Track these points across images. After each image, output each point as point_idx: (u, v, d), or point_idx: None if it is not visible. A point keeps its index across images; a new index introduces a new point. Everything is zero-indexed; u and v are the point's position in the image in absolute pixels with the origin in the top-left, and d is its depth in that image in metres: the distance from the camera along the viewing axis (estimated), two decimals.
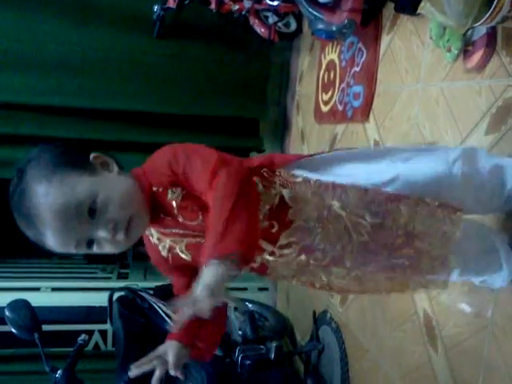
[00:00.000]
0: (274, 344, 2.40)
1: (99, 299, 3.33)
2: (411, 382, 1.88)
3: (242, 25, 3.07)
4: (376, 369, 2.14)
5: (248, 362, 2.35)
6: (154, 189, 1.00)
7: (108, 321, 2.96)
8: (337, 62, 2.59)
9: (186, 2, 2.98)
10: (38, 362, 3.09)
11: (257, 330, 2.61)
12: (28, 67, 3.09)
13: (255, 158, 1.08)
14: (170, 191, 0.98)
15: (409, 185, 1.07)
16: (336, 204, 1.03)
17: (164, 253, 1.08)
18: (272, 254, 1.04)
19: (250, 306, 3.11)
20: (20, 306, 2.26)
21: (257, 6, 2.84)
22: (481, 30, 1.49)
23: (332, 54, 2.65)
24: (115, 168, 1.02)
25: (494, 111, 1.47)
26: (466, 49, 1.56)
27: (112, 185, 0.98)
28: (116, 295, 2.80)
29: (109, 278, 3.86)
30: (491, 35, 1.47)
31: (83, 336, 2.40)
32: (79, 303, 3.62)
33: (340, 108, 2.51)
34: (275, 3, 2.68)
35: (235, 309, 2.82)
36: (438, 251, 1.10)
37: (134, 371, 0.96)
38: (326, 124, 2.71)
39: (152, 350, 2.63)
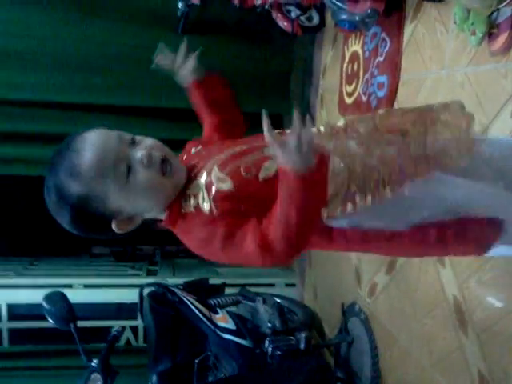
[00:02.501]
0: (303, 334, 2.41)
1: (129, 296, 3.39)
2: (443, 369, 1.87)
3: (265, 19, 3.09)
4: (406, 357, 2.14)
5: (278, 352, 2.37)
6: None
7: (139, 316, 3.02)
8: (360, 53, 2.59)
9: None
10: (72, 356, 3.21)
11: (286, 322, 2.63)
12: (54, 66, 3.19)
13: None
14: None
15: None
16: (352, 143, 1.02)
17: (208, 204, 0.98)
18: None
19: (277, 300, 3.12)
20: (56, 297, 2.34)
21: (280, 0, 2.86)
22: (506, 11, 1.48)
23: (355, 46, 2.66)
24: None
25: None
26: (491, 32, 1.55)
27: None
28: (146, 291, 2.85)
29: (138, 275, 3.93)
30: None
31: (117, 327, 2.47)
32: (110, 300, 3.70)
33: (364, 99, 2.51)
34: None
35: (264, 302, 2.84)
36: None
37: None
38: (351, 116, 2.71)
39: (183, 342, 2.68)
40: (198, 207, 0.97)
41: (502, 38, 1.51)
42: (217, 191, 0.96)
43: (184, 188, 1.01)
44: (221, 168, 0.99)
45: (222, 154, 1.03)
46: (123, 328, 3.66)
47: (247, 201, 0.96)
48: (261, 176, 0.98)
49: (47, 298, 2.35)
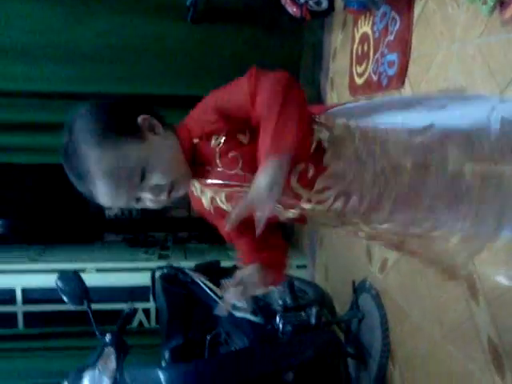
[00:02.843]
0: (314, 309, 2.44)
1: (142, 279, 3.45)
2: (453, 339, 1.90)
3: (274, 5, 3.12)
4: (417, 331, 2.17)
5: (289, 327, 2.39)
6: (195, 141, 1.04)
7: (151, 298, 3.06)
8: (370, 33, 2.62)
9: None
10: (84, 338, 3.27)
11: (296, 299, 2.66)
12: (64, 57, 3.25)
13: None
14: (213, 137, 1.01)
15: (445, 132, 1.08)
16: (377, 148, 1.05)
17: (206, 204, 1.13)
18: (308, 201, 1.05)
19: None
20: (70, 276, 2.38)
21: None
22: None
23: (365, 27, 2.68)
24: (161, 130, 1.04)
25: None
26: (502, 0, 1.58)
27: (158, 151, 1.02)
28: (158, 273, 2.89)
29: (150, 260, 3.98)
30: None
31: (129, 304, 2.51)
32: (123, 283, 3.75)
33: (375, 78, 2.54)
34: None
35: None
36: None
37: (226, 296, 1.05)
38: (361, 96, 2.74)
39: (195, 320, 2.71)
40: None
41: None
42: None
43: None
44: (227, 199, 1.08)
45: (233, 189, 1.05)
46: (135, 310, 3.72)
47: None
48: None
49: (61, 277, 2.39)
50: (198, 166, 1.06)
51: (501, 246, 1.59)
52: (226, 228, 1.19)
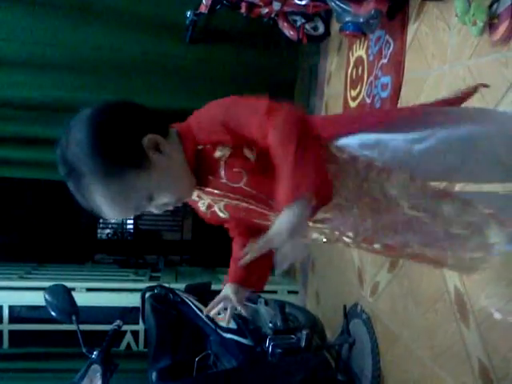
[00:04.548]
0: (304, 332, 2.40)
1: (131, 300, 3.40)
2: (444, 362, 1.86)
3: (271, 28, 3.17)
4: (408, 355, 2.13)
5: (279, 350, 2.35)
6: (200, 147, 1.00)
7: (140, 320, 3.01)
8: (364, 57, 2.64)
9: (218, 8, 3.09)
10: (71, 359, 3.20)
11: (287, 322, 2.62)
12: (63, 70, 3.28)
13: None
14: (218, 148, 0.98)
15: (444, 140, 1.05)
16: (377, 187, 1.02)
17: (203, 209, 1.11)
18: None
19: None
20: (59, 290, 2.35)
21: (286, 8, 2.93)
22: (506, 1, 1.53)
23: (360, 51, 2.71)
24: (166, 147, 0.98)
25: None
26: (492, 22, 1.60)
27: (165, 175, 0.98)
28: (148, 294, 2.85)
29: (141, 281, 3.93)
30: None
31: (118, 321, 2.46)
32: (112, 304, 3.69)
33: (368, 101, 2.55)
34: (303, 2, 2.77)
35: (266, 303, 2.83)
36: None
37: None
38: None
39: (184, 341, 2.67)
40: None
41: (502, 28, 1.55)
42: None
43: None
44: (225, 208, 1.07)
45: (234, 201, 1.05)
46: (124, 333, 3.66)
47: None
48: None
49: (49, 290, 2.36)
50: (201, 172, 1.03)
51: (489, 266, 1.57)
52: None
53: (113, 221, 6.28)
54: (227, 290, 1.19)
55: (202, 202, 1.10)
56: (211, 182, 1.02)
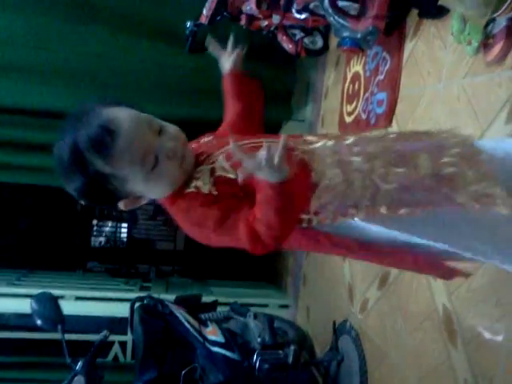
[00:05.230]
0: (292, 348, 2.38)
1: (121, 310, 3.35)
2: (431, 383, 1.84)
3: (271, 41, 3.17)
4: (395, 374, 2.10)
5: (266, 365, 2.33)
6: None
7: (128, 331, 2.98)
8: (361, 73, 2.64)
9: (218, 19, 3.10)
10: (57, 370, 3.15)
11: (276, 337, 2.59)
12: (61, 77, 3.27)
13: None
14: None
15: None
16: (356, 159, 1.03)
17: (208, 186, 1.02)
18: (310, 222, 1.04)
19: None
20: (45, 298, 2.33)
21: (285, 22, 2.93)
22: (501, 22, 1.53)
23: (357, 66, 2.72)
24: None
25: None
26: (487, 42, 1.59)
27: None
28: (138, 304, 2.82)
29: (131, 290, 3.90)
30: (511, 27, 1.51)
31: (104, 332, 2.44)
32: (101, 313, 3.65)
33: (364, 117, 2.55)
34: (302, 16, 2.77)
35: (255, 317, 2.81)
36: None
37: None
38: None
39: (171, 354, 2.64)
40: (198, 188, 1.02)
41: (497, 48, 1.55)
42: (219, 176, 1.02)
43: (192, 169, 1.06)
44: (226, 158, 1.03)
45: (229, 146, 1.02)
46: (112, 343, 3.62)
47: (245, 188, 0.99)
48: None
49: (36, 298, 2.34)
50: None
51: (477, 285, 1.56)
52: None
53: (107, 228, 6.28)
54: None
55: (202, 178, 1.05)
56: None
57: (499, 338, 1.47)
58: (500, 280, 1.49)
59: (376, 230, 1.05)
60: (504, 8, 1.38)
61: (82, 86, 3.33)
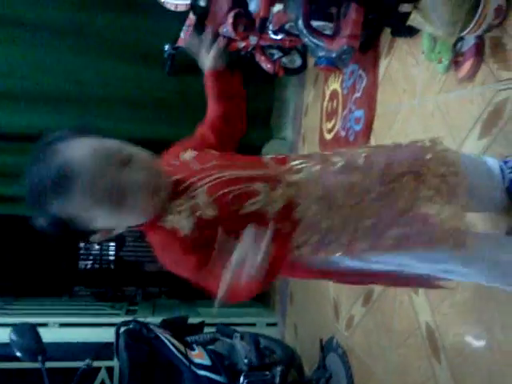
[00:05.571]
0: (278, 368, 2.36)
1: (107, 335, 3.31)
2: None
3: (249, 62, 3.19)
4: None
5: None
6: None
7: (115, 356, 2.94)
8: (339, 90, 2.67)
9: None
10: None
11: (263, 357, 2.57)
12: (39, 100, 3.27)
13: None
14: None
15: None
16: (340, 195, 1.03)
17: (187, 228, 0.98)
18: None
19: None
20: (25, 329, 2.29)
21: (262, 42, 2.96)
22: (469, 40, 1.55)
23: (334, 84, 2.74)
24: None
25: (485, 116, 1.51)
26: (457, 60, 1.62)
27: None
28: (123, 329, 2.79)
29: (117, 315, 3.85)
30: (479, 45, 1.53)
31: (87, 361, 2.40)
32: (86, 339, 3.60)
33: (343, 134, 2.57)
34: (279, 37, 2.80)
35: (241, 338, 2.78)
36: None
37: None
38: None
39: (157, 378, 2.61)
40: (175, 228, 0.97)
41: (467, 66, 1.57)
42: (200, 217, 0.97)
43: (169, 198, 1.00)
44: (209, 192, 0.99)
45: (212, 176, 1.01)
46: (98, 369, 3.56)
47: (226, 227, 0.93)
48: (243, 211, 0.99)
49: (15, 329, 2.30)
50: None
51: (459, 301, 1.57)
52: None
53: (95, 249, 6.21)
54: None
55: (183, 214, 1.00)
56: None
57: (481, 354, 1.47)
58: (480, 296, 1.50)
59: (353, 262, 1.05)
60: (471, 27, 1.40)
61: (63, 109, 3.34)
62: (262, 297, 4.20)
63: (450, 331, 1.63)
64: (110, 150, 0.95)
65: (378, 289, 2.15)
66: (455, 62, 1.63)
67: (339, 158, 1.09)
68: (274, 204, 1.00)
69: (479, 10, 1.39)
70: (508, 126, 1.41)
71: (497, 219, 1.39)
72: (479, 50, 1.53)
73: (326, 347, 2.64)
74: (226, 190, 0.99)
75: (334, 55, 2.29)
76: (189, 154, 1.10)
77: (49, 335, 3.45)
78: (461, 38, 1.58)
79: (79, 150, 0.93)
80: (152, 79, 3.43)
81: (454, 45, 1.61)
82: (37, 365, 2.70)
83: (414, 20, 1.53)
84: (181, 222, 0.97)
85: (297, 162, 1.09)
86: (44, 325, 3.54)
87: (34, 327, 2.33)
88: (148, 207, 0.98)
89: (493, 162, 1.28)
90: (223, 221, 0.96)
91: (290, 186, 1.03)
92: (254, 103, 3.45)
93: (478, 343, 1.50)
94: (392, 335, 2.01)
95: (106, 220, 0.96)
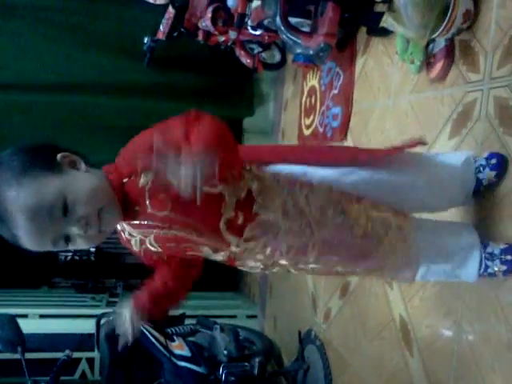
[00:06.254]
0: (257, 360, 2.41)
1: (87, 326, 3.33)
2: None
3: (228, 56, 3.21)
4: (358, 381, 2.15)
5: (232, 378, 2.35)
6: (125, 180, 1.01)
7: (95, 348, 2.96)
8: (317, 87, 2.71)
9: (175, 35, 3.12)
10: None
11: (242, 349, 2.62)
12: (18, 90, 3.25)
13: None
14: (143, 175, 0.98)
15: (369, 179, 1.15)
16: (302, 200, 1.09)
17: (136, 248, 1.10)
18: (237, 247, 1.07)
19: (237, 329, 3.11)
20: (5, 320, 2.29)
21: (241, 37, 2.98)
22: (440, 42, 1.60)
23: (313, 81, 2.78)
24: (82, 166, 1.00)
25: (455, 117, 1.56)
26: (429, 61, 1.67)
27: (79, 182, 0.97)
28: (104, 320, 2.81)
29: (98, 306, 3.87)
30: (450, 47, 1.58)
31: (67, 352, 2.42)
32: (67, 330, 3.61)
33: (321, 130, 2.61)
34: (258, 32, 2.82)
35: (221, 330, 2.83)
36: (400, 251, 1.18)
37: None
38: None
39: (137, 370, 2.64)
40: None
41: (438, 67, 1.62)
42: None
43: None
44: (156, 240, 1.07)
45: (162, 231, 1.05)
46: (79, 360, 3.59)
47: None
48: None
49: None
50: (128, 206, 1.02)
51: (429, 294, 1.62)
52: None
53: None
54: (126, 310, 1.24)
55: (134, 240, 1.09)
56: (138, 213, 1.02)
57: (450, 346, 1.53)
58: (449, 289, 1.56)
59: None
60: (441, 29, 1.44)
61: (39, 98, 3.34)
62: (243, 289, 4.25)
63: (421, 324, 1.69)
64: (44, 205, 0.93)
65: (354, 280, 2.20)
66: (427, 63, 1.68)
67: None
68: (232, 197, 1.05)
69: (448, 14, 1.44)
70: (476, 126, 1.46)
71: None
72: (450, 52, 1.58)
73: (305, 339, 2.69)
74: (171, 246, 1.11)
75: (311, 52, 2.33)
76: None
77: (29, 326, 3.47)
78: (433, 40, 1.63)
79: (18, 202, 0.92)
80: (131, 69, 3.43)
81: (427, 46, 1.66)
82: (17, 356, 2.73)
83: (387, 21, 1.57)
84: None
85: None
86: (24, 316, 3.55)
87: (13, 318, 2.34)
88: (98, 239, 1.03)
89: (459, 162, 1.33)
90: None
91: (257, 180, 1.08)
92: (235, 98, 3.49)
93: (447, 336, 1.56)
94: (367, 327, 2.07)
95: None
